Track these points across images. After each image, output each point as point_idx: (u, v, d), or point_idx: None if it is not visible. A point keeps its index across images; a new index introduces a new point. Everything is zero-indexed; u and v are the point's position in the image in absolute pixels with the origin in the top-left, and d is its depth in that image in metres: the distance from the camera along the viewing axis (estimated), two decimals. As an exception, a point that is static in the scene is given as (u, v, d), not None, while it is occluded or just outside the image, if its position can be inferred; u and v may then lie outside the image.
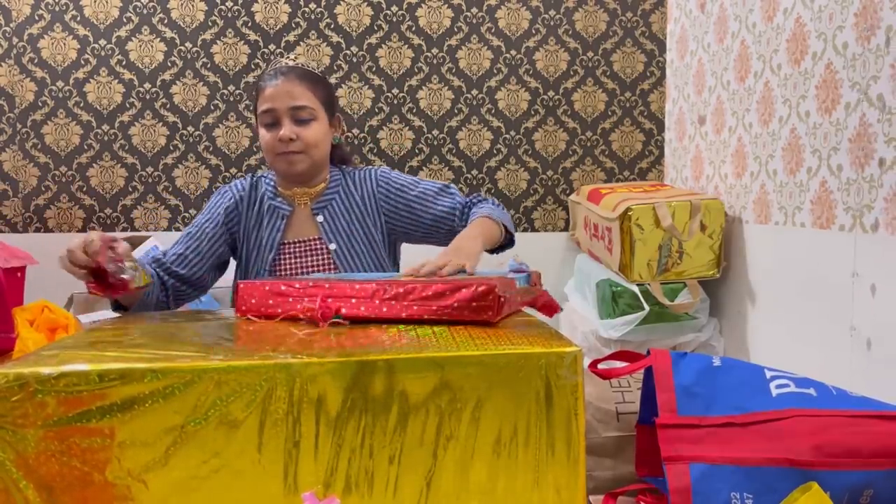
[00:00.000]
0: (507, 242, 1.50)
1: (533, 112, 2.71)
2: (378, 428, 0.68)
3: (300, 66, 1.51)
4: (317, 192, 1.52)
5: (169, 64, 2.58)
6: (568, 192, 2.73)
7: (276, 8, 2.61)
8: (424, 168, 2.69)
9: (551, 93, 2.71)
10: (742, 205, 2.16)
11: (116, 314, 1.34)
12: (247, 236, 1.51)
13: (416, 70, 2.66)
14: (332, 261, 1.48)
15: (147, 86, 2.58)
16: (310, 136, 1.45)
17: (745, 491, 0.79)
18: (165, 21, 2.57)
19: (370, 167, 1.58)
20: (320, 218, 1.51)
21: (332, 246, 1.50)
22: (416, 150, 2.69)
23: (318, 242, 1.51)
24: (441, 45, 2.67)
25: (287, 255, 1.49)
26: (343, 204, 1.53)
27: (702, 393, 0.85)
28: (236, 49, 2.60)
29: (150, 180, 2.61)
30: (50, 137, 2.55)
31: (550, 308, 1.09)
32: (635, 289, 2.14)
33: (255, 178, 1.55)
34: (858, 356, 1.62)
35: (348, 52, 2.64)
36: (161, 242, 2.24)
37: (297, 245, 1.50)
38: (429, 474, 0.69)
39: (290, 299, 0.90)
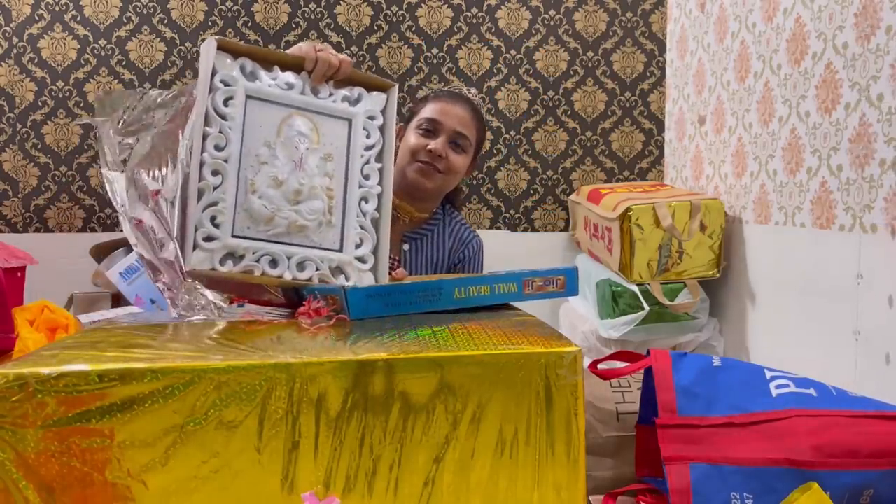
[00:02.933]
0: None
1: (533, 112, 2.71)
2: (378, 428, 0.68)
3: (475, 102, 1.54)
4: (417, 219, 1.52)
5: (169, 64, 2.58)
6: (568, 192, 2.73)
7: (276, 8, 2.61)
8: (424, 168, 2.69)
9: (551, 93, 2.71)
10: (742, 205, 2.16)
11: (124, 313, 1.34)
12: None
13: (416, 70, 2.66)
14: None
15: (147, 86, 2.58)
16: (457, 163, 1.47)
17: (745, 491, 0.79)
18: (165, 21, 2.57)
19: (473, 232, 1.58)
20: (406, 246, 1.52)
21: None
22: (416, 150, 2.69)
23: (395, 263, 1.50)
24: (441, 45, 2.67)
25: None
26: (431, 245, 1.53)
27: (702, 393, 0.86)
28: (236, 49, 2.60)
29: (150, 180, 2.61)
30: (50, 137, 2.55)
31: None
32: (635, 289, 2.14)
33: None
34: (859, 357, 1.62)
35: (348, 52, 2.63)
36: (161, 242, 2.24)
37: None
38: (429, 474, 0.69)
39: None
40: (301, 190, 0.99)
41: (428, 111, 1.47)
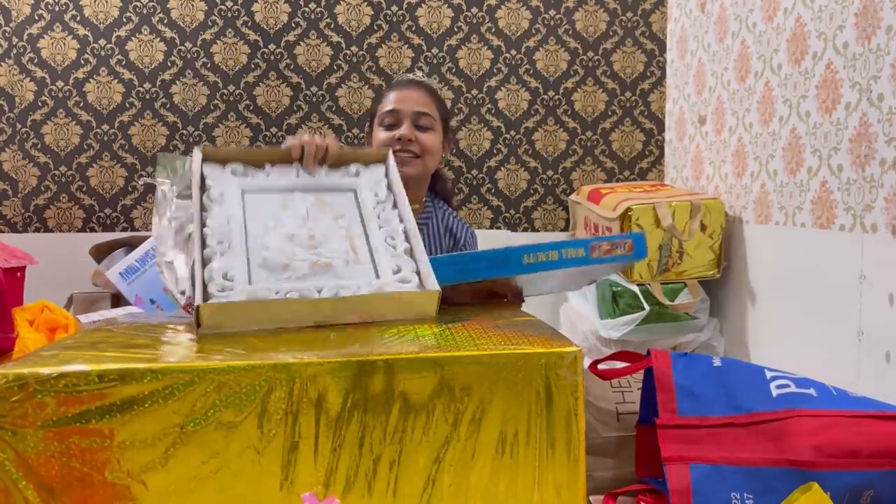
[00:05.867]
0: None
1: (533, 112, 2.71)
2: (378, 428, 0.68)
3: (426, 81, 1.59)
4: (413, 212, 1.53)
5: (169, 64, 2.58)
6: (568, 192, 2.73)
7: (276, 8, 2.61)
8: (424, 168, 2.69)
9: (551, 93, 2.71)
10: (742, 205, 2.16)
11: (124, 313, 1.34)
12: None
13: (416, 70, 2.66)
14: None
15: (147, 86, 2.58)
16: (428, 141, 1.50)
17: (745, 491, 0.79)
18: (165, 21, 2.57)
19: (465, 225, 1.60)
20: None
21: None
22: (416, 150, 2.69)
23: None
24: (441, 45, 2.67)
25: None
26: (427, 240, 1.54)
27: (702, 393, 0.86)
28: (236, 49, 2.60)
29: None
30: (50, 137, 2.55)
31: None
32: (635, 289, 2.14)
33: None
34: (859, 357, 1.62)
35: (348, 52, 2.63)
36: (161, 242, 2.24)
37: None
38: (429, 474, 0.69)
39: None
40: (314, 235, 0.93)
41: (386, 104, 1.52)
